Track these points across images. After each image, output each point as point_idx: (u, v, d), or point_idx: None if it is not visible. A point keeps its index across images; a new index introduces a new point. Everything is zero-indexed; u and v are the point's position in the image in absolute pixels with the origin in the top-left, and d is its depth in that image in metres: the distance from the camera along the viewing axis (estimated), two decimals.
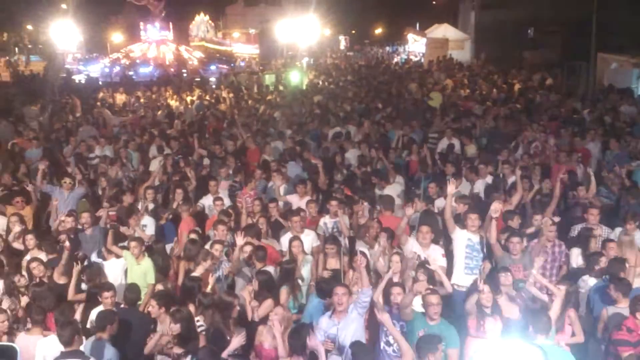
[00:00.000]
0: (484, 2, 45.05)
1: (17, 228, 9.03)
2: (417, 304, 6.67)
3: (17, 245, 8.92)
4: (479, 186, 10.67)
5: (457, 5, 53.85)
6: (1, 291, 7.39)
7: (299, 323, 6.63)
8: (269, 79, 29.96)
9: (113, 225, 9.09)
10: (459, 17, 52.97)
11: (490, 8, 43.54)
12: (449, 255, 8.15)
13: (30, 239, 8.57)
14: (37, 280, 7.67)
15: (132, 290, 7.21)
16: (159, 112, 20.39)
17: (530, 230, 8.71)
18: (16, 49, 57.66)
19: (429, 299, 6.30)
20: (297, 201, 10.24)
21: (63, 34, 31.92)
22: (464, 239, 7.97)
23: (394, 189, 10.78)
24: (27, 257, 8.27)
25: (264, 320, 6.57)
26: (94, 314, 6.87)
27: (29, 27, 57.21)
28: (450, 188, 8.10)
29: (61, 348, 5.96)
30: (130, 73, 35.42)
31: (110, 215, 9.88)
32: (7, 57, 50.54)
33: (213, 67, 39.09)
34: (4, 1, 46.95)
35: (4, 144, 15.07)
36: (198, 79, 32.31)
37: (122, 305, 7.19)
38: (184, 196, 10.25)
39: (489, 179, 10.87)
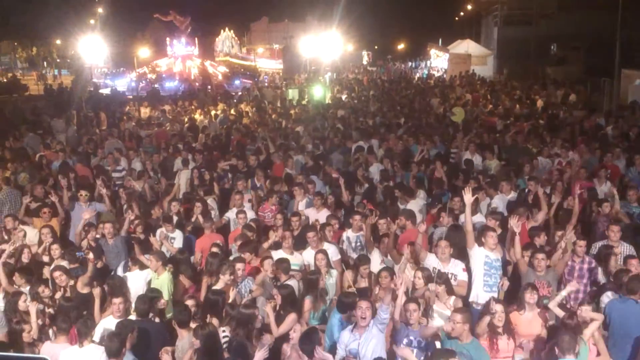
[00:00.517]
0: (507, 18, 45.12)
1: (49, 240, 9.08)
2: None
3: (45, 258, 9.04)
4: (497, 201, 10.62)
5: (479, 21, 54.01)
6: (28, 300, 7.49)
7: (309, 327, 6.65)
8: (292, 93, 30.21)
9: (136, 237, 9.19)
10: (482, 33, 53.10)
11: (512, 24, 43.60)
12: (467, 272, 8.09)
13: (56, 249, 8.70)
14: (61, 289, 7.80)
15: (143, 301, 7.21)
16: (186, 125, 20.65)
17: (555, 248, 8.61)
18: (45, 63, 58.96)
19: (452, 317, 6.29)
20: (314, 214, 10.28)
21: (91, 49, 32.54)
22: (482, 256, 7.90)
23: (416, 203, 10.75)
24: (52, 267, 8.39)
25: (287, 335, 6.60)
26: (104, 324, 6.95)
27: (58, 41, 58.55)
28: (467, 198, 8.06)
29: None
30: (156, 87, 35.90)
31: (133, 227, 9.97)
32: (37, 71, 51.68)
33: (237, 82, 39.52)
34: (34, 16, 48.12)
35: (32, 156, 15.37)
36: (222, 93, 32.63)
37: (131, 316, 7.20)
38: (202, 209, 10.32)
39: (512, 195, 10.84)
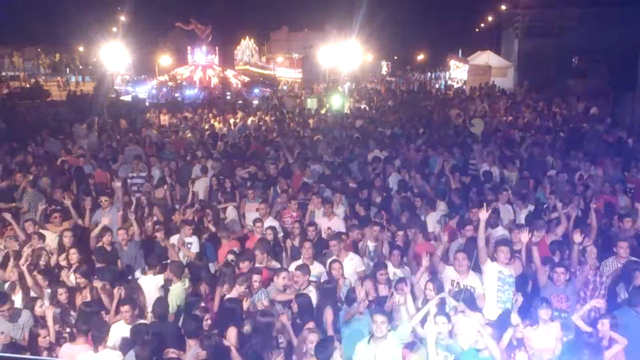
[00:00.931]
0: (528, 30, 44.81)
1: (70, 243, 9.22)
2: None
3: (63, 262, 9.11)
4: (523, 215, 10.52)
5: (500, 33, 53.70)
6: (44, 305, 7.57)
7: (325, 336, 6.62)
8: (311, 102, 30.28)
9: (154, 240, 9.26)
10: (502, 45, 52.76)
11: (533, 36, 43.28)
12: None
13: (73, 254, 8.78)
14: (81, 292, 7.91)
15: (160, 304, 7.31)
16: (207, 133, 20.73)
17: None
18: (67, 69, 59.81)
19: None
20: (326, 222, 10.27)
21: (113, 56, 32.83)
22: (495, 271, 7.74)
23: (435, 215, 10.71)
24: (71, 270, 8.52)
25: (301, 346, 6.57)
26: (116, 329, 6.99)
27: (81, 48, 59.41)
28: (482, 214, 7.98)
29: None
30: (177, 95, 36.17)
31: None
32: (60, 78, 52.43)
33: (256, 90, 39.71)
34: (57, 23, 48.90)
35: (54, 161, 15.51)
36: (241, 102, 32.80)
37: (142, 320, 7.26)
38: (213, 218, 10.36)
39: (530, 208, 10.74)
